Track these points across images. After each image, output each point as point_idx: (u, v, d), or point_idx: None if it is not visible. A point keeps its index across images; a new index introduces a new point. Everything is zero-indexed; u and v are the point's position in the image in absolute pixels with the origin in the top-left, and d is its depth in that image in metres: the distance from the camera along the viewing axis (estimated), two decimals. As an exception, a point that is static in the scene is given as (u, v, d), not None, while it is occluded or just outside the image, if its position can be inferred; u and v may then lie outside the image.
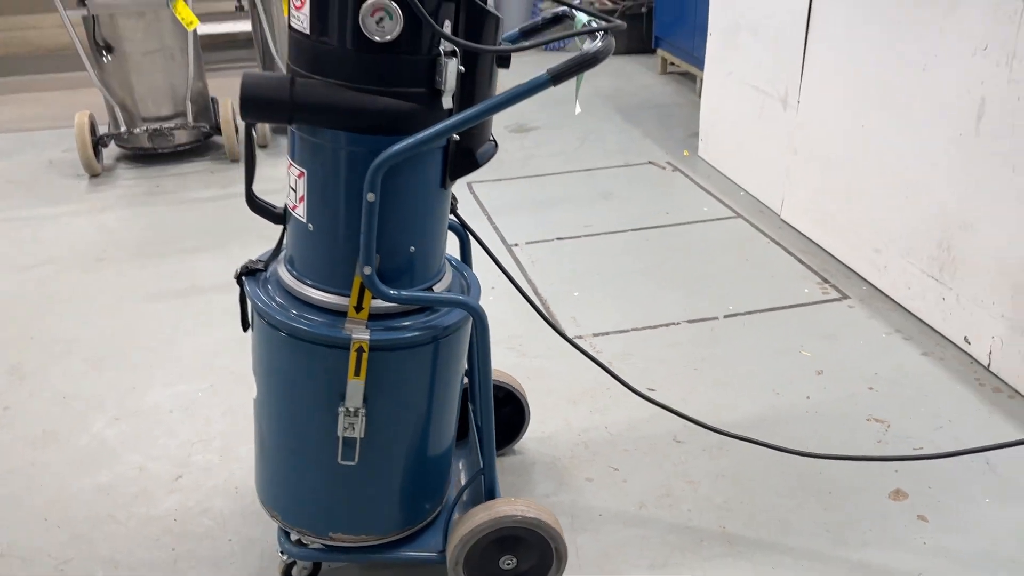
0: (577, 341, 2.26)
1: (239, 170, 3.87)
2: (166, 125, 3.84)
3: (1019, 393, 2.21)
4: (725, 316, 2.62)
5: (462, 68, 1.35)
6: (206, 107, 3.99)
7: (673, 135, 4.12)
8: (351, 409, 1.46)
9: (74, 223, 3.37)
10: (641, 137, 4.13)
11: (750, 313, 2.63)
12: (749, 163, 3.43)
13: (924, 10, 2.36)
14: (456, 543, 1.58)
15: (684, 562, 1.75)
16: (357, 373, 1.43)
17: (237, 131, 3.91)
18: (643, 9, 5.40)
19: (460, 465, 1.87)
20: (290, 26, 1.35)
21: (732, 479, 1.97)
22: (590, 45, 1.31)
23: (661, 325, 2.57)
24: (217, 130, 3.95)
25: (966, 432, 2.09)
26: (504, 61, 1.43)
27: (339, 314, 1.45)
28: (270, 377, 1.53)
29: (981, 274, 2.29)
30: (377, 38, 1.27)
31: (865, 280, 2.77)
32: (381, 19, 1.25)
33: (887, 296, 2.68)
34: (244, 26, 5.34)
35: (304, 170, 1.40)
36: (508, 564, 1.62)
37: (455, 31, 1.32)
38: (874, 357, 2.40)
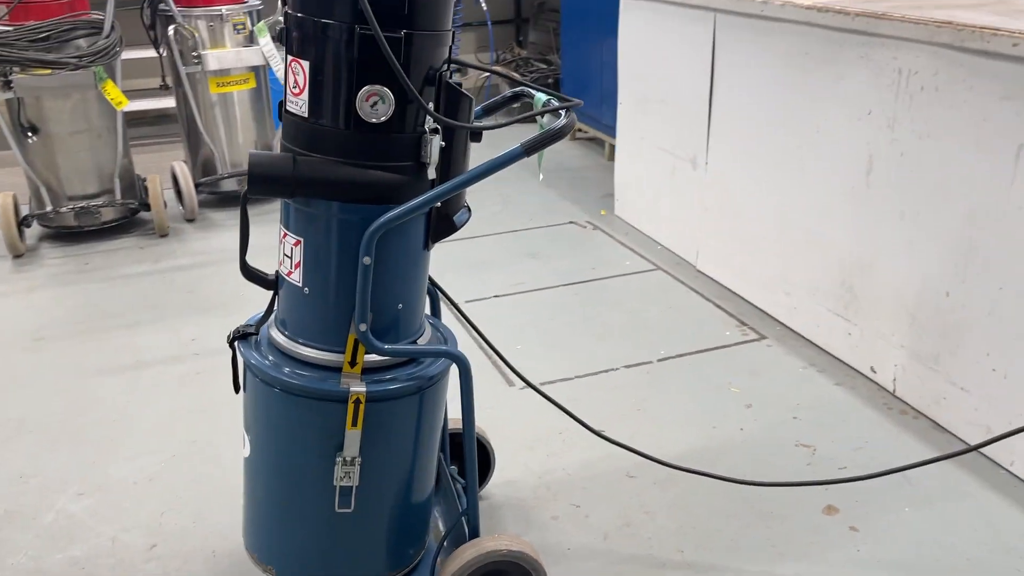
0: (527, 391, 2.41)
1: (168, 245, 3.90)
2: (93, 203, 3.85)
3: (923, 414, 2.48)
4: (659, 360, 2.83)
5: (443, 143, 1.52)
6: (132, 184, 4.02)
7: (589, 196, 4.38)
8: (348, 458, 1.57)
9: (3, 304, 3.34)
10: (559, 199, 4.37)
11: (681, 356, 2.85)
12: (664, 220, 3.71)
13: (814, 82, 2.68)
14: (447, 580, 1.69)
15: (650, 585, 1.91)
16: (355, 424, 1.55)
17: (166, 206, 3.95)
18: (549, 80, 5.72)
19: (435, 511, 1.98)
20: (286, 110, 1.49)
21: (683, 508, 2.15)
22: (553, 121, 1.51)
23: (601, 371, 2.75)
24: (145, 206, 3.98)
25: (882, 451, 2.33)
26: (477, 136, 1.61)
27: (331, 370, 1.57)
28: (266, 433, 1.63)
29: (881, 310, 2.58)
30: (371, 119, 1.43)
31: (778, 321, 3.04)
32: (375, 103, 1.42)
33: (799, 334, 2.95)
34: (166, 102, 5.41)
35: (301, 238, 1.53)
36: (494, 597, 1.74)
37: (436, 110, 1.49)
38: (794, 389, 2.64)
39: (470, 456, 1.69)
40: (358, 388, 1.53)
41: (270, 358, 1.61)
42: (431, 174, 1.52)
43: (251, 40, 4.10)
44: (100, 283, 3.52)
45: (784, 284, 2.99)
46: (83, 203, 3.84)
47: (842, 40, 2.54)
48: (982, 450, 2.26)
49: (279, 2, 1.53)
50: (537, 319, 3.13)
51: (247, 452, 1.68)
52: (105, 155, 3.85)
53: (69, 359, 2.91)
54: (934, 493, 2.18)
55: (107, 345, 3.00)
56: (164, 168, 4.36)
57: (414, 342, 1.64)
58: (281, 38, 1.48)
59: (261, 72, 4.22)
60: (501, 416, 2.50)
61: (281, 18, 4.10)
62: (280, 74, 4.02)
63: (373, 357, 1.57)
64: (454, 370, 1.63)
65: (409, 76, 1.40)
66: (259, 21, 4.10)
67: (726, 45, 3.10)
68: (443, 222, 1.61)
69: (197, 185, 4.15)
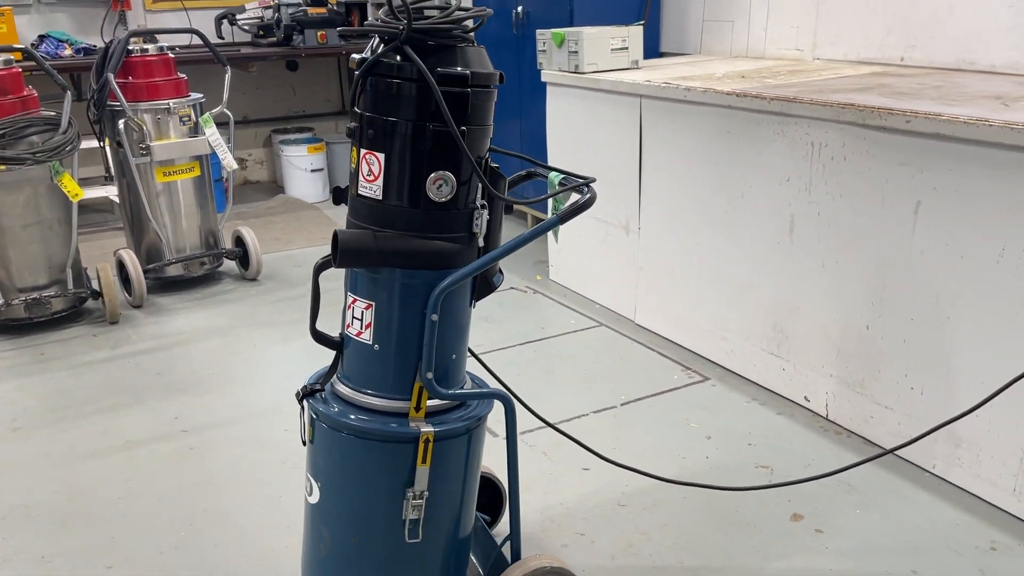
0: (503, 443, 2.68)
1: (122, 331, 3.97)
2: (44, 294, 3.89)
3: (854, 433, 2.89)
4: (621, 404, 3.15)
5: (488, 216, 1.81)
6: (79, 273, 4.07)
7: (522, 264, 4.73)
8: (418, 492, 1.79)
9: (-33, 398, 3.34)
10: (494, 268, 4.69)
11: (639, 400, 3.18)
12: (600, 281, 4.08)
13: (737, 154, 3.14)
14: (500, 599, 1.91)
15: (660, 593, 2.18)
16: (424, 461, 1.78)
17: (131, 289, 4.03)
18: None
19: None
20: (358, 194, 1.75)
21: (674, 526, 2.45)
22: (566, 197, 1.84)
23: (575, 418, 3.05)
24: (95, 294, 4.04)
25: (826, 465, 2.71)
26: (509, 209, 1.91)
27: (395, 415, 1.80)
28: (340, 476, 1.83)
29: (810, 346, 3.00)
30: (437, 199, 1.71)
31: (718, 364, 3.43)
32: (440, 185, 1.70)
33: (738, 374, 3.34)
34: (104, 191, 5.48)
35: (372, 302, 1.77)
36: (539, 611, 1.98)
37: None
38: (744, 421, 3.01)
39: (513, 481, 1.94)
40: (427, 429, 1.77)
41: (336, 408, 1.82)
42: (480, 243, 1.81)
43: (196, 131, 4.28)
44: (63, 371, 3.56)
45: (720, 331, 3.39)
46: (34, 294, 3.87)
47: (760, 120, 3.00)
48: (909, 457, 2.68)
49: (352, 96, 1.77)
50: (505, 375, 3.38)
51: (315, 499, 1.88)
52: (56, 246, 3.91)
53: (55, 445, 2.96)
54: (877, 496, 2.56)
55: (90, 429, 3.07)
56: (101, 256, 4.42)
57: (462, 388, 1.90)
58: (352, 135, 1.75)
59: (204, 160, 4.39)
60: (493, 464, 2.74)
61: (223, 108, 4.32)
62: (227, 162, 4.23)
63: (433, 402, 1.82)
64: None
65: (466, 162, 1.70)
66: (203, 113, 4.29)
67: (653, 124, 3.54)
68: (484, 284, 1.90)
69: (145, 271, 4.24)
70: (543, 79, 4.15)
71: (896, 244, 2.62)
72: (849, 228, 2.77)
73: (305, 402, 1.87)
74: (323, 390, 1.88)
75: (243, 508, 2.57)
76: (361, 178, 1.74)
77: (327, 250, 1.77)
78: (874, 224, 2.68)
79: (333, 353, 1.90)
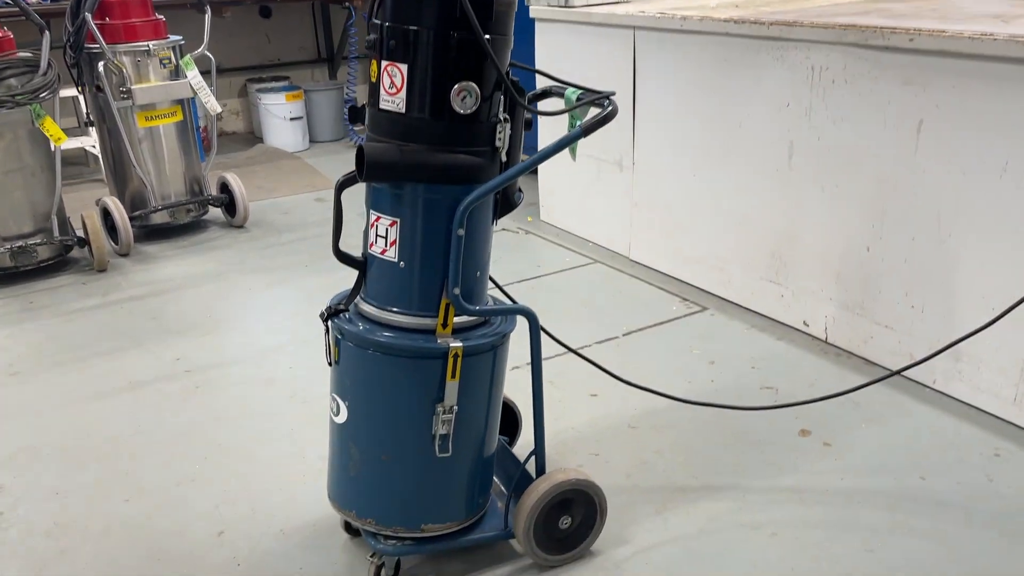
0: (520, 371, 2.69)
1: (111, 278, 3.91)
2: (30, 242, 3.81)
3: (854, 354, 2.95)
4: (623, 335, 3.18)
5: (510, 131, 1.80)
6: (64, 222, 3.99)
7: (512, 206, 4.71)
8: (447, 407, 1.80)
9: (-41, 346, 3.28)
10: (483, 211, 4.68)
11: (641, 330, 3.21)
12: (593, 219, 4.08)
13: (735, 83, 3.14)
14: (527, 512, 1.94)
15: (677, 505, 2.23)
16: (453, 376, 1.79)
17: (118, 236, 3.95)
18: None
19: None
20: (380, 108, 1.72)
21: (685, 445, 2.49)
22: (584, 113, 1.84)
23: (582, 347, 3.06)
24: (81, 241, 3.96)
25: (830, 385, 2.76)
26: (528, 125, 1.89)
27: (422, 332, 1.80)
28: (368, 394, 1.83)
29: (809, 272, 3.04)
30: (461, 111, 1.69)
31: (715, 295, 3.46)
32: (464, 97, 1.68)
33: (736, 304, 3.38)
34: (81, 142, 5.35)
35: (397, 219, 1.76)
36: (565, 523, 2.01)
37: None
38: (745, 347, 3.06)
39: (538, 397, 1.96)
40: (456, 344, 1.77)
41: (362, 326, 1.81)
42: (503, 157, 1.80)
43: (177, 74, 4.18)
44: (55, 318, 3.51)
45: (717, 261, 3.41)
46: (19, 242, 3.79)
47: (759, 46, 3.00)
48: (910, 373, 2.74)
49: (371, 8, 1.73)
50: (503, 312, 3.41)
51: (342, 418, 1.88)
52: (40, 193, 3.83)
53: (57, 388, 2.93)
54: (881, 412, 2.62)
55: (91, 372, 3.03)
56: (82, 208, 4.33)
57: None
58: (372, 47, 1.72)
59: (186, 105, 4.30)
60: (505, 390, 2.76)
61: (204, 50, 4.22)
62: (210, 105, 4.15)
63: (458, 319, 1.82)
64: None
65: (490, 73, 1.68)
66: (184, 56, 4.20)
67: (647, 56, 3.52)
68: (505, 201, 1.89)
69: (130, 219, 4.17)
70: (531, 15, 4.10)
71: (898, 164, 2.64)
72: (850, 151, 2.79)
73: (330, 322, 1.86)
74: (347, 310, 1.87)
75: (257, 442, 2.57)
76: (383, 91, 1.72)
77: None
78: (875, 145, 2.70)
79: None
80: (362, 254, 1.87)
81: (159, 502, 2.30)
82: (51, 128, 3.64)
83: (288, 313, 3.47)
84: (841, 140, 2.81)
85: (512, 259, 3.99)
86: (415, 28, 1.64)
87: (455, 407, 1.81)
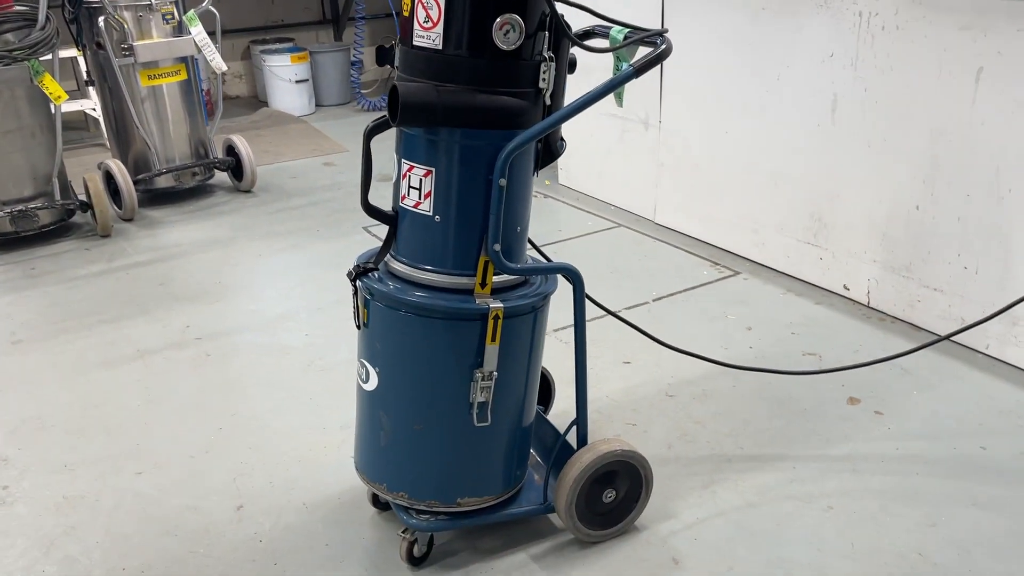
0: (548, 338, 2.55)
1: (115, 244, 3.76)
2: (31, 206, 3.65)
3: (899, 319, 2.80)
4: (654, 300, 3.03)
5: (555, 71, 1.64)
6: (66, 185, 3.84)
7: (528, 169, 4.55)
8: (487, 373, 1.66)
9: (-42, 313, 3.14)
10: (499, 174, 4.51)
11: (672, 295, 3.07)
12: (615, 181, 3.92)
13: (773, 33, 2.96)
14: (569, 485, 1.80)
15: (724, 477, 2.09)
16: (493, 339, 1.65)
17: (121, 201, 3.80)
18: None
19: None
20: (413, 45, 1.57)
21: (728, 414, 2.35)
22: (630, 53, 1.68)
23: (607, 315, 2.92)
24: (84, 205, 3.81)
25: (875, 350, 2.62)
26: (572, 67, 1.74)
27: (459, 292, 1.65)
28: (400, 359, 1.69)
29: (851, 233, 2.88)
30: (504, 47, 1.53)
31: (747, 259, 3.31)
32: (508, 31, 1.52)
33: (769, 267, 3.23)
34: (80, 104, 5.17)
35: (432, 168, 1.61)
36: (609, 497, 1.87)
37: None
38: (782, 311, 2.91)
39: (581, 363, 1.81)
40: (496, 305, 1.63)
41: (393, 285, 1.66)
42: (547, 100, 1.64)
43: (180, 31, 4.00)
44: (58, 285, 3.36)
45: (751, 223, 3.26)
46: (20, 206, 3.63)
47: (800, -8, 2.83)
48: (962, 340, 2.59)
49: None
50: (526, 277, 3.26)
51: (372, 385, 1.74)
52: (39, 155, 3.66)
53: (62, 357, 2.79)
54: (932, 378, 2.48)
55: (97, 340, 2.89)
56: (84, 172, 4.18)
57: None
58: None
59: (191, 63, 4.12)
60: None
61: (208, 6, 4.03)
62: (216, 63, 3.97)
63: (498, 278, 1.67)
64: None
65: (535, 4, 1.52)
66: (187, 11, 4.01)
67: (677, 5, 3.34)
68: (547, 150, 1.74)
69: (134, 183, 4.01)
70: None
71: (953, 117, 2.48)
72: (899, 103, 2.62)
73: (358, 282, 1.71)
74: (376, 269, 1.73)
75: (273, 412, 2.43)
76: (417, 25, 1.56)
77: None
78: (928, 97, 2.54)
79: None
80: (392, 208, 1.72)
81: (173, 475, 2.17)
82: (51, 86, 3.47)
83: (301, 279, 3.32)
84: (890, 92, 2.64)
85: (534, 223, 3.80)
86: None
87: (495, 373, 1.67)
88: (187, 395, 2.53)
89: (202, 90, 5.26)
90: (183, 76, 4.10)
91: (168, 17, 3.96)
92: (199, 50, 4.01)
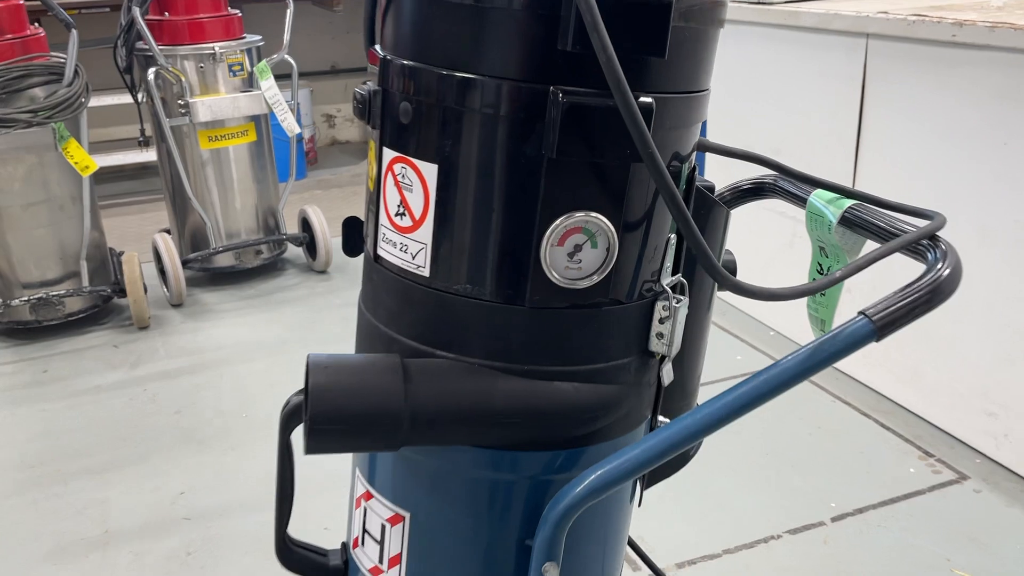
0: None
1: (149, 340, 3.11)
2: (54, 292, 3.05)
3: None
4: (832, 519, 2.04)
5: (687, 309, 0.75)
6: (103, 262, 3.23)
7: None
8: None
9: (-69, 438, 2.53)
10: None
11: (860, 511, 2.06)
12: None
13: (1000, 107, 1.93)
14: None
15: None
16: None
17: (146, 291, 3.16)
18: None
19: None
20: (376, 255, 0.72)
21: None
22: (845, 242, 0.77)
23: (759, 541, 1.96)
24: (120, 292, 3.18)
25: None
26: (726, 284, 0.83)
27: None
28: None
29: None
30: (569, 282, 0.65)
31: (980, 453, 2.25)
32: (578, 249, 0.64)
33: (1013, 472, 2.17)
34: (147, 156, 4.63)
35: (405, 513, 0.74)
36: None
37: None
38: (1044, 568, 1.86)
39: None
40: None
41: None
42: (666, 376, 0.75)
43: (251, 84, 3.34)
44: (62, 401, 2.72)
45: (986, 402, 2.21)
46: (41, 292, 3.04)
47: (1106, 74, 1.79)
48: None
49: (367, 28, 0.79)
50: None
51: None
52: (68, 231, 3.06)
53: (11, 530, 2.10)
54: None
55: (64, 506, 2.19)
56: (146, 235, 3.59)
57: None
58: (362, 114, 0.71)
59: (263, 122, 3.45)
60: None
61: (285, 54, 3.04)
62: (288, 125, 3.28)
63: None
64: None
65: (640, 188, 0.64)
66: (260, 60, 3.35)
67: (885, 80, 2.35)
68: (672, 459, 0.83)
69: (184, 263, 3.37)
70: (708, 15, 2.99)
71: None
72: None
73: None
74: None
75: None
76: (384, 217, 0.71)
77: None
78: None
79: None
80: (342, 544, 0.87)
81: None
82: (76, 153, 2.85)
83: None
84: None
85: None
86: (464, 76, 0.62)
87: None
88: (135, 635, 1.77)
89: (301, 138, 4.65)
90: (252, 137, 3.43)
91: (236, 68, 3.30)
92: (270, 108, 3.33)
